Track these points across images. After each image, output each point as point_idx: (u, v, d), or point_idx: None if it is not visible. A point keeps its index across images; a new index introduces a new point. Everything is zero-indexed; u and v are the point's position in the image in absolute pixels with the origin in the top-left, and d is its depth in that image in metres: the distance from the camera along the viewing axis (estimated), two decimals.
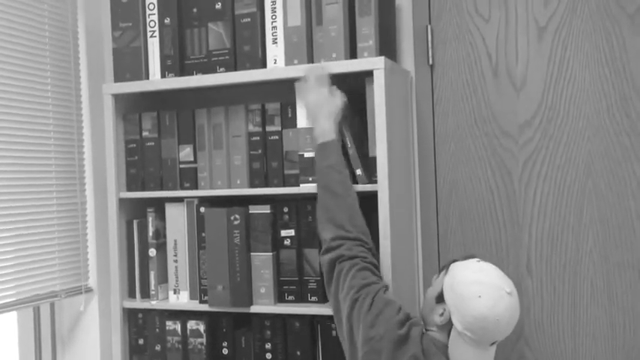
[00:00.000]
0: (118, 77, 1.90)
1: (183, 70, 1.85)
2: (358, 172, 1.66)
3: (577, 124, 1.78)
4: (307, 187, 1.71)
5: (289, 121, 1.76)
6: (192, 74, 1.83)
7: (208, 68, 1.82)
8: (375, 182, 1.63)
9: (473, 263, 1.44)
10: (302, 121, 1.73)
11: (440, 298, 1.42)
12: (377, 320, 1.41)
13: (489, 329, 1.34)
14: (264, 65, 1.77)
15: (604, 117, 1.75)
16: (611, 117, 1.75)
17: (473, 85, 1.87)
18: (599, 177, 1.76)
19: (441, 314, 1.40)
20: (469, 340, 1.36)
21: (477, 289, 1.36)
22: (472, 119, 1.87)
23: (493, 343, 1.38)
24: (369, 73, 1.64)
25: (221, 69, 1.80)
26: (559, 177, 1.79)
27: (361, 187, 1.66)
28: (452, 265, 1.46)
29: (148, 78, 1.88)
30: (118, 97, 1.91)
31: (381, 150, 1.62)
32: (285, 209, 1.76)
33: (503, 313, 1.34)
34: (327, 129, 1.58)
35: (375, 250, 1.56)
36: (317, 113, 1.60)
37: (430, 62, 1.90)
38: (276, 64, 1.75)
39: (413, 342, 1.39)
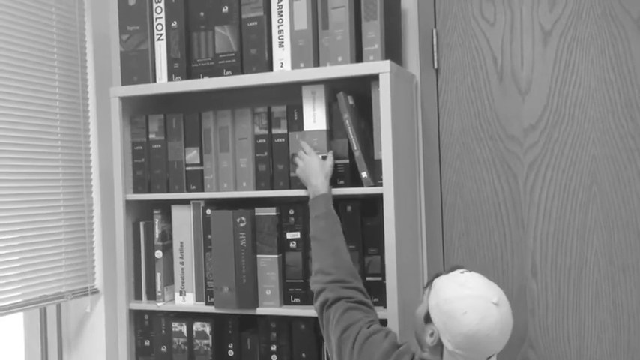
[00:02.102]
0: (125, 80, 1.91)
1: (190, 74, 1.86)
2: (364, 175, 1.67)
3: (582, 127, 1.78)
4: None
5: (295, 123, 1.77)
6: (199, 77, 1.85)
7: (215, 71, 1.83)
8: (381, 185, 1.64)
9: (456, 276, 1.36)
10: (308, 124, 1.74)
11: (428, 318, 1.36)
12: (360, 359, 1.39)
13: (481, 345, 1.28)
14: (270, 68, 1.78)
15: (609, 121, 1.76)
16: (616, 121, 1.75)
17: (478, 89, 1.87)
18: (604, 180, 1.76)
19: (431, 334, 1.34)
20: (463, 359, 1.30)
21: (462, 304, 1.29)
22: (477, 123, 1.87)
23: (490, 357, 1.32)
24: (374, 77, 1.65)
25: (227, 72, 1.81)
26: (564, 180, 1.80)
27: (366, 190, 1.67)
28: (435, 280, 1.40)
29: (155, 81, 1.90)
30: (125, 100, 1.92)
31: (386, 153, 1.63)
32: (291, 212, 1.77)
33: (494, 325, 1.27)
34: (317, 186, 1.64)
35: (362, 285, 1.55)
36: (308, 175, 1.67)
37: (435, 66, 1.91)
38: (283, 68, 1.76)
39: None
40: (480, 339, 1.27)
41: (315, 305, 1.53)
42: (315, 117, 1.73)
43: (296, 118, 1.77)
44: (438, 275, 1.42)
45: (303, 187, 1.72)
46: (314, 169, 1.66)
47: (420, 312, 1.41)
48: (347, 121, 1.68)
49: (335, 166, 1.71)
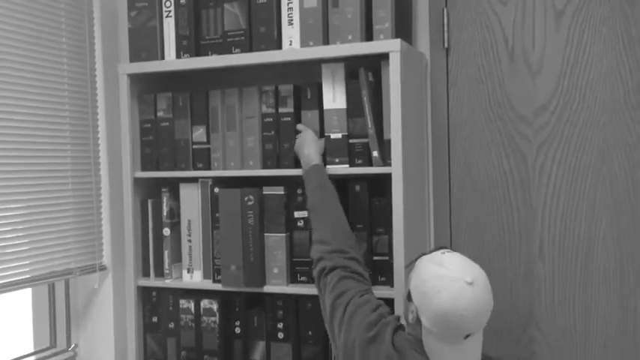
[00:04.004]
0: (134, 57, 1.90)
1: (198, 51, 1.85)
2: (375, 154, 1.66)
3: (593, 109, 1.77)
4: None
5: (306, 102, 1.76)
6: (208, 55, 1.84)
7: (223, 49, 1.82)
8: (390, 165, 1.64)
9: (436, 256, 1.39)
10: (328, 103, 1.73)
11: (409, 297, 1.39)
12: (350, 326, 1.42)
13: (455, 324, 1.29)
14: (279, 47, 1.76)
15: (620, 103, 1.74)
16: (627, 103, 1.74)
17: (488, 69, 1.86)
18: (614, 162, 1.75)
19: (412, 312, 1.37)
20: (440, 337, 1.32)
21: (436, 284, 1.31)
22: (487, 103, 1.86)
23: (468, 336, 1.32)
24: (384, 56, 1.64)
25: (236, 50, 1.80)
26: (573, 162, 1.79)
27: (375, 170, 1.67)
28: (417, 260, 1.43)
29: (163, 58, 1.89)
30: (133, 77, 1.91)
31: (395, 132, 1.62)
32: (299, 191, 1.76)
33: (467, 305, 1.28)
34: (309, 155, 1.68)
35: (360, 256, 1.58)
36: (301, 146, 1.71)
37: (446, 45, 1.89)
38: (292, 46, 1.75)
39: (383, 342, 1.38)
40: (453, 318, 1.29)
41: (313, 273, 1.58)
42: (334, 96, 1.71)
43: (309, 97, 1.75)
44: (421, 255, 1.45)
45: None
46: (306, 140, 1.71)
47: (404, 291, 1.46)
48: (365, 98, 1.67)
49: (353, 145, 1.71)
